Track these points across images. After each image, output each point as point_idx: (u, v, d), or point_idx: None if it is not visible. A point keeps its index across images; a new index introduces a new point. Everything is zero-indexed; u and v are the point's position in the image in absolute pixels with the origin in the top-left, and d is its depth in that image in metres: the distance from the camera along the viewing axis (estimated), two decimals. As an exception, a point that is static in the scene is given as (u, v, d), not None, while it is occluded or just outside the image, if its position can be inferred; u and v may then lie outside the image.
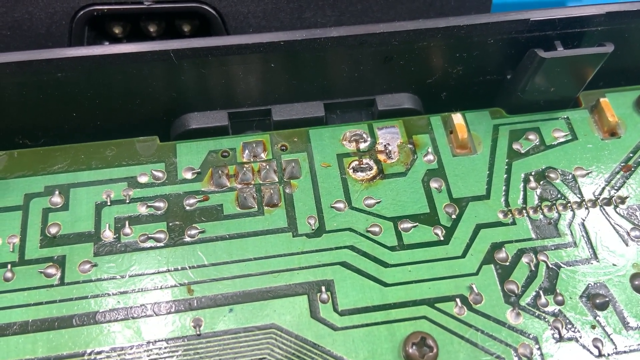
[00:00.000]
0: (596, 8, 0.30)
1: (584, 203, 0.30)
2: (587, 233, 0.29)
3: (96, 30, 0.34)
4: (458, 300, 0.27)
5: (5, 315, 0.26)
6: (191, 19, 0.35)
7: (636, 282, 0.28)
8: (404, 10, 0.35)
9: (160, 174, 0.30)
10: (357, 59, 0.31)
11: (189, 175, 0.30)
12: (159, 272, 0.27)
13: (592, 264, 0.29)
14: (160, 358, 0.26)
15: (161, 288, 0.27)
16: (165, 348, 0.26)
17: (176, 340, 0.26)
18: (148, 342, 0.26)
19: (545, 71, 0.30)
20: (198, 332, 0.26)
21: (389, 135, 0.32)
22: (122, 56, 0.28)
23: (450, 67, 0.32)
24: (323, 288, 0.27)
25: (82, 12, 0.33)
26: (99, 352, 0.26)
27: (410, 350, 0.26)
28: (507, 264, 0.28)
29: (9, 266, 0.27)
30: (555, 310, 0.27)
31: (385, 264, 0.28)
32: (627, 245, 0.29)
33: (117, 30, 0.34)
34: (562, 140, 0.32)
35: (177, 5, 0.33)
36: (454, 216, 0.30)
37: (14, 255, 0.28)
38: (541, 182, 0.31)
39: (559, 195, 0.30)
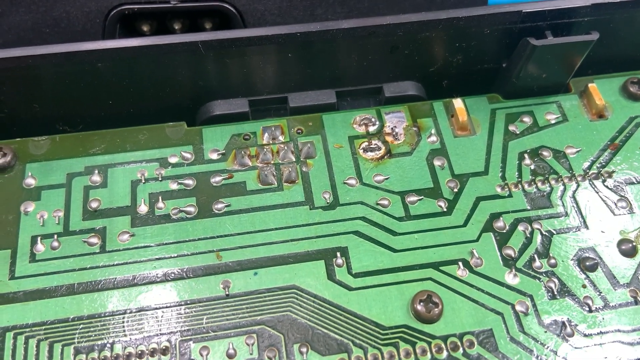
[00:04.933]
0: (582, 0, 0.33)
1: (574, 177, 0.33)
2: (577, 204, 0.32)
3: (126, 28, 0.37)
4: (460, 263, 0.30)
5: (53, 279, 0.29)
6: (213, 17, 0.38)
7: (623, 247, 0.31)
8: (407, 7, 0.38)
9: (188, 155, 0.33)
10: (366, 49, 0.33)
11: (214, 156, 0.33)
12: (190, 241, 0.30)
13: (582, 231, 0.31)
14: (193, 315, 0.28)
15: (192, 254, 0.30)
16: (198, 306, 0.29)
17: (207, 299, 0.29)
18: (182, 302, 0.29)
19: (537, 58, 0.33)
20: (227, 293, 0.29)
21: (396, 119, 0.35)
22: (156, 47, 0.31)
23: (450, 56, 0.35)
24: (338, 254, 0.30)
25: (114, 11, 0.36)
26: (139, 310, 0.29)
27: (418, 307, 0.29)
28: (505, 231, 0.31)
29: (55, 236, 0.30)
30: (549, 272, 0.30)
31: (394, 233, 0.31)
32: (614, 214, 0.32)
33: (145, 28, 0.37)
34: (554, 122, 0.35)
35: (201, 4, 0.36)
36: (455, 190, 0.32)
37: (59, 227, 0.31)
38: (535, 159, 0.33)
39: (551, 171, 0.33)
